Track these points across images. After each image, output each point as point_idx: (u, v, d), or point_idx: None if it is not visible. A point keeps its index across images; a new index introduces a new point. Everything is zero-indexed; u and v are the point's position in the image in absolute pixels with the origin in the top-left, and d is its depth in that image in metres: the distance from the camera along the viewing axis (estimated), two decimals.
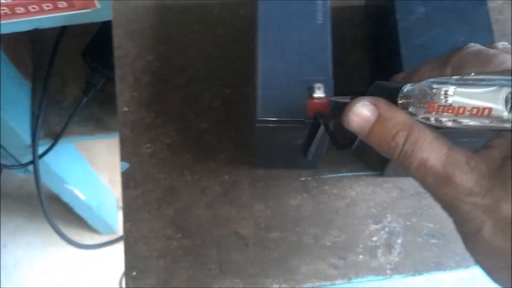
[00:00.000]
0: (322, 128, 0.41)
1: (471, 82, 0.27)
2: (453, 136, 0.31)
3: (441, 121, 0.28)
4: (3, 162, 1.03)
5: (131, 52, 0.58)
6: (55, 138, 1.02)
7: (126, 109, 0.56)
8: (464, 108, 0.27)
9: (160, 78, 0.57)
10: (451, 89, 0.27)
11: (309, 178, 0.54)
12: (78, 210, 1.40)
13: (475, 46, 0.32)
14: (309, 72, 0.44)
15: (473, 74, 0.28)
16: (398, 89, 0.31)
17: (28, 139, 1.00)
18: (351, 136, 0.36)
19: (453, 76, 0.28)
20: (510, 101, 0.25)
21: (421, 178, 0.30)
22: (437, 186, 0.29)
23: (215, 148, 0.55)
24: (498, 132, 0.30)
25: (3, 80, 0.90)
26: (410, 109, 0.30)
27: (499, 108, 0.25)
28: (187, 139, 0.55)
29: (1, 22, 0.66)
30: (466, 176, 0.28)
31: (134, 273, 0.51)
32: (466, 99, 0.27)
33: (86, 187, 1.31)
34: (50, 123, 1.03)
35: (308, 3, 0.46)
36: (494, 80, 0.26)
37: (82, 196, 1.32)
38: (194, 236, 0.52)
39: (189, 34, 0.58)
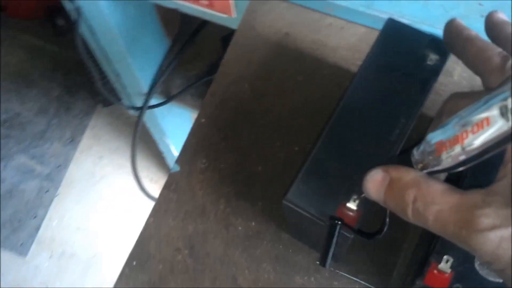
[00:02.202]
0: (338, 232, 0.42)
1: (462, 111, 0.29)
2: None
3: (454, 157, 0.29)
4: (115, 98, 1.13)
5: (232, 74, 0.61)
6: (168, 97, 1.09)
7: (203, 120, 0.59)
8: (466, 131, 0.28)
9: (244, 109, 0.59)
10: (447, 125, 0.30)
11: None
12: (168, 162, 1.49)
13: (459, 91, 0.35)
14: (358, 177, 0.44)
15: (466, 107, 0.29)
16: (410, 156, 0.33)
17: (145, 88, 1.07)
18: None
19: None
20: (503, 108, 0.26)
21: (441, 230, 0.30)
22: (460, 233, 0.29)
23: (258, 194, 0.56)
24: (504, 161, 0.30)
25: (146, 31, 0.98)
26: (428, 166, 0.32)
27: (496, 116, 0.26)
28: (239, 174, 0.57)
29: None
30: (485, 213, 0.28)
31: (134, 263, 0.55)
32: (464, 123, 0.28)
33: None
34: (170, 84, 1.10)
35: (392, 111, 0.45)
36: (483, 100, 0.27)
37: (175, 153, 1.41)
38: (198, 260, 0.55)
39: (290, 81, 0.60)
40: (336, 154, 0.44)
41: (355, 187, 0.43)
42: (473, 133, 0.28)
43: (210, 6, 0.68)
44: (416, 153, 0.34)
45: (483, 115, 0.27)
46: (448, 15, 0.57)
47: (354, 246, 0.53)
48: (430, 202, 0.30)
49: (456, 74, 0.58)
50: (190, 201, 0.57)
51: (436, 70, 0.46)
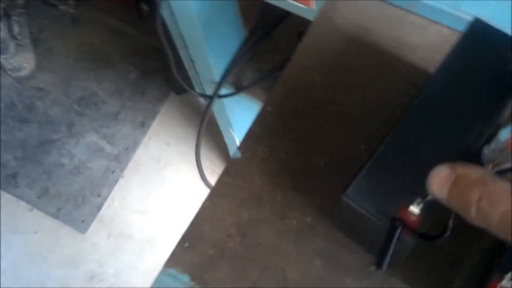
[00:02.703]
0: (398, 235, 0.40)
1: None
2: None
3: None
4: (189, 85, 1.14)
5: (305, 64, 0.59)
6: (238, 89, 1.09)
7: (269, 109, 0.58)
8: None
9: (312, 100, 0.58)
10: None
11: (379, 271, 0.51)
12: (232, 154, 1.49)
13: None
14: (424, 180, 0.41)
15: None
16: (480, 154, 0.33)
17: (217, 77, 1.08)
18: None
19: None
20: None
21: (505, 231, 0.29)
22: None
23: (317, 189, 0.55)
24: None
25: (224, 19, 0.98)
26: (500, 164, 0.31)
27: None
28: (300, 165, 0.56)
29: None
30: None
31: (186, 244, 0.55)
32: None
33: None
34: (242, 75, 1.10)
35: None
36: None
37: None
38: (249, 248, 0.54)
39: (364, 77, 0.58)
40: (403, 154, 0.42)
41: (420, 190, 0.40)
42: None
43: None
44: (487, 151, 0.32)
45: None
46: None
47: (413, 254, 0.50)
48: (496, 202, 0.29)
49: None
50: (247, 188, 0.56)
51: None
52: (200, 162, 1.22)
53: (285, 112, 0.58)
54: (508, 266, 0.40)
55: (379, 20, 0.59)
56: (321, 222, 0.54)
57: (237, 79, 1.11)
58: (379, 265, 0.42)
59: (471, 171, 0.31)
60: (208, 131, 1.71)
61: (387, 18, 0.59)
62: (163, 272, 0.55)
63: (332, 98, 0.57)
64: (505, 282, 0.40)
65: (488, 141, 0.32)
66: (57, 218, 1.79)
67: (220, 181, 0.56)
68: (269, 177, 0.56)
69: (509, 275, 0.40)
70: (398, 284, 0.51)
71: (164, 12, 0.92)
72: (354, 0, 0.60)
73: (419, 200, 0.40)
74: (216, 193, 0.56)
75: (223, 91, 1.11)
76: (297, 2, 0.68)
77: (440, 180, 0.32)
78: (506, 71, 0.43)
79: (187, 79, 1.20)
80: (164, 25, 0.97)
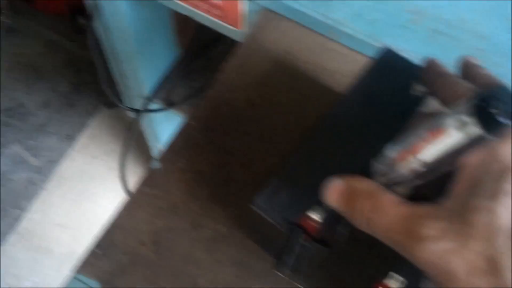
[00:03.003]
0: (297, 239, 0.42)
1: (419, 127, 0.30)
2: None
3: (411, 168, 0.31)
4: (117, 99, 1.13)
5: (229, 82, 0.61)
6: (168, 105, 1.10)
7: (192, 123, 0.60)
8: (421, 144, 0.30)
9: (235, 116, 0.59)
10: (405, 137, 0.31)
11: (284, 276, 0.53)
12: None
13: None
14: None
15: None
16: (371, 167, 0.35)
17: (146, 92, 1.08)
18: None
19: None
20: (458, 120, 0.27)
21: (389, 239, 0.31)
22: (404, 242, 0.30)
23: (232, 200, 0.56)
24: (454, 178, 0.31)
25: (158, 35, 0.99)
26: (387, 177, 0.33)
27: (448, 126, 0.28)
28: (217, 178, 0.57)
29: None
30: (429, 226, 0.29)
31: (98, 251, 0.55)
32: (419, 135, 0.30)
33: None
34: (173, 92, 1.11)
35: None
36: (441, 113, 0.29)
37: None
38: (161, 256, 0.54)
39: (284, 97, 0.60)
40: (309, 167, 0.45)
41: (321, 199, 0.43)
42: (428, 144, 0.29)
43: (222, 17, 0.69)
44: (376, 164, 0.35)
45: (438, 128, 0.29)
46: (447, 55, 0.58)
47: (320, 264, 0.52)
48: (382, 212, 0.31)
49: None
50: (164, 198, 0.57)
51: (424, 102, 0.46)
52: (125, 177, 1.21)
53: (207, 127, 0.60)
54: (396, 270, 0.43)
55: (303, 46, 0.63)
56: (234, 231, 0.55)
57: (167, 95, 1.12)
58: (277, 267, 0.44)
59: (361, 184, 0.34)
60: (137, 146, 1.70)
61: (310, 44, 0.63)
62: (74, 278, 0.54)
63: (253, 115, 0.60)
64: (390, 281, 0.42)
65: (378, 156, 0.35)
66: None
67: (138, 191, 0.57)
68: (186, 188, 0.57)
69: (395, 276, 0.43)
70: None
71: (98, 26, 0.93)
72: (280, 25, 0.63)
73: (319, 208, 0.42)
74: (132, 202, 0.57)
75: (152, 106, 1.12)
76: (228, 24, 0.70)
77: (334, 192, 0.35)
78: (409, 96, 0.47)
79: (117, 93, 1.19)
80: (97, 38, 0.97)
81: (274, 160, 0.57)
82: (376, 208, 0.32)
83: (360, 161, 0.44)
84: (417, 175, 0.31)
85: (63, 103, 1.87)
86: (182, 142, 0.59)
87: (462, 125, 0.27)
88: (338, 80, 0.60)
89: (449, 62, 0.41)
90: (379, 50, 0.49)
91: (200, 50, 1.10)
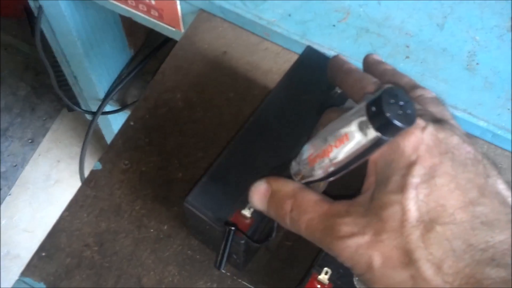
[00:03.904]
0: (232, 236, 0.44)
1: (329, 126, 0.32)
2: None
3: (324, 168, 0.32)
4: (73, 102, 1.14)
5: (167, 82, 0.63)
6: (122, 106, 1.10)
7: (132, 123, 0.61)
8: (331, 146, 0.31)
9: (174, 117, 0.61)
10: (317, 139, 0.33)
11: (228, 274, 0.55)
12: None
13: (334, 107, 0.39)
14: None
15: (333, 121, 0.32)
16: (289, 167, 0.37)
17: (101, 94, 1.09)
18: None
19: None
20: (360, 124, 0.29)
21: (310, 236, 0.33)
22: (325, 239, 0.32)
23: (174, 200, 0.58)
24: (366, 175, 0.33)
25: (107, 38, 1.00)
26: (305, 177, 0.34)
27: (354, 131, 0.29)
28: (159, 178, 0.59)
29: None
30: (345, 222, 0.30)
31: (43, 254, 0.56)
32: (329, 138, 0.31)
33: None
34: (127, 93, 1.12)
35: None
36: (345, 116, 0.31)
37: None
38: (105, 257, 0.56)
39: (222, 97, 0.62)
40: (239, 163, 0.47)
41: None
42: (337, 147, 0.31)
43: (160, 18, 0.71)
44: (293, 164, 0.36)
45: (344, 130, 0.30)
46: (376, 53, 0.61)
47: (260, 259, 0.55)
48: (303, 211, 0.33)
49: None
50: (107, 199, 0.58)
51: (344, 98, 0.49)
52: (84, 176, 1.22)
53: (147, 126, 0.61)
54: (325, 262, 0.46)
55: (237, 45, 0.64)
56: (177, 231, 0.57)
57: (122, 97, 1.13)
58: (217, 265, 0.46)
59: (283, 185, 0.35)
60: (98, 147, 1.70)
61: (244, 43, 0.65)
62: (19, 281, 0.56)
63: (191, 115, 0.61)
64: (322, 276, 0.45)
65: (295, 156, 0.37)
66: None
67: (79, 192, 0.58)
68: (128, 189, 0.59)
69: (325, 269, 0.45)
70: (244, 286, 0.55)
71: (44, 28, 0.93)
72: (215, 26, 0.65)
73: (250, 205, 0.44)
74: (75, 203, 0.58)
75: (107, 108, 1.13)
76: (166, 24, 0.71)
77: (259, 195, 0.37)
78: (331, 94, 0.49)
79: (74, 96, 1.20)
80: (45, 41, 0.97)
81: (211, 158, 0.59)
82: (298, 208, 0.33)
83: (284, 158, 0.46)
84: (330, 173, 0.33)
85: (23, 107, 1.85)
86: (123, 142, 0.60)
87: (363, 128, 0.29)
88: (272, 79, 0.62)
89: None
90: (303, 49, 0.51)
91: (152, 51, 1.11)
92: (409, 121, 0.27)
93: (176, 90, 0.63)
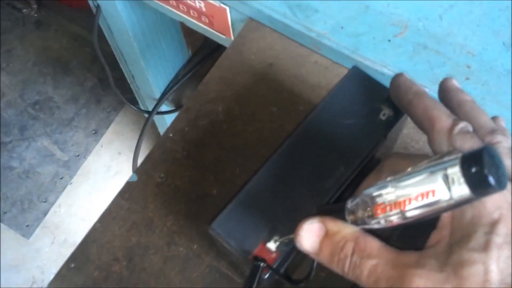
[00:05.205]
0: (260, 273, 0.41)
1: (406, 176, 0.29)
2: None
3: (391, 220, 0.29)
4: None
5: (210, 94, 0.60)
6: (178, 106, 1.10)
7: (170, 135, 0.59)
8: (410, 199, 0.28)
9: (214, 129, 0.59)
10: (390, 187, 0.29)
11: None
12: None
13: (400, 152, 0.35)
14: (285, 218, 0.43)
15: (409, 169, 0.29)
16: (343, 207, 0.33)
17: (157, 94, 1.09)
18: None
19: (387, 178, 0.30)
20: (448, 179, 0.27)
21: (373, 284, 0.30)
22: None
23: (207, 217, 0.55)
24: (438, 227, 0.31)
25: (165, 38, 0.99)
26: (359, 221, 0.31)
27: (441, 187, 0.27)
28: (193, 193, 0.57)
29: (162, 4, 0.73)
30: (418, 273, 0.28)
31: (72, 265, 0.55)
32: (407, 190, 0.28)
33: None
34: (183, 93, 1.11)
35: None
36: (428, 167, 0.28)
37: None
38: (133, 273, 0.54)
39: (265, 111, 0.59)
40: (270, 190, 0.44)
41: (279, 227, 0.42)
42: (417, 201, 0.28)
43: (211, 24, 0.68)
44: (350, 205, 0.33)
45: (429, 185, 0.28)
46: (433, 72, 0.56)
47: None
48: (366, 256, 0.31)
49: None
50: (139, 212, 0.57)
51: (388, 126, 0.44)
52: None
53: (186, 139, 0.59)
54: None
55: (285, 57, 0.61)
56: (207, 251, 0.55)
57: (177, 97, 1.12)
58: None
59: (343, 227, 0.32)
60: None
61: (292, 55, 0.61)
62: None
63: (232, 128, 0.59)
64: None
65: (353, 194, 0.34)
66: (1, 221, 1.77)
67: (113, 203, 0.57)
68: (162, 203, 0.57)
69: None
70: None
71: (102, 26, 0.93)
72: (264, 36, 0.62)
73: (276, 237, 0.41)
74: (108, 215, 0.57)
75: (163, 108, 1.12)
76: (217, 32, 0.69)
77: (311, 234, 0.33)
78: (377, 120, 0.45)
79: (132, 94, 1.21)
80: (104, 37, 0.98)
81: (248, 176, 0.56)
82: (361, 252, 0.31)
83: (322, 189, 0.43)
84: (392, 225, 0.30)
85: (89, 98, 1.90)
86: (160, 155, 0.59)
87: (451, 182, 0.27)
88: (320, 94, 0.59)
89: (435, 80, 0.39)
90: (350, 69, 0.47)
91: (210, 52, 1.09)
92: (502, 184, 0.26)
93: (218, 102, 0.60)
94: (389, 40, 0.58)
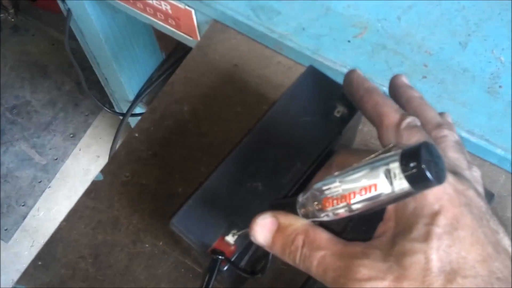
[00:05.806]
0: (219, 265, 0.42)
1: (351, 170, 0.30)
2: None
3: (338, 213, 0.31)
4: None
5: (176, 94, 0.62)
6: None
7: (136, 135, 0.60)
8: (354, 192, 0.29)
9: (180, 129, 0.60)
10: (337, 181, 0.30)
11: None
12: None
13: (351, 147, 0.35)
14: (243, 213, 0.44)
15: (355, 164, 0.30)
16: (295, 202, 0.34)
17: (131, 96, 1.09)
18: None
19: (335, 173, 0.31)
20: (389, 174, 0.28)
21: (322, 274, 0.31)
22: (338, 280, 0.30)
23: (171, 214, 0.56)
24: (384, 219, 0.32)
25: (137, 41, 1.00)
26: (310, 215, 0.33)
27: (382, 181, 0.28)
28: (159, 192, 0.58)
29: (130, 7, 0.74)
30: (363, 264, 0.30)
31: (39, 263, 0.56)
32: (352, 184, 0.30)
33: None
34: (157, 95, 1.11)
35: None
36: (371, 162, 0.29)
37: None
38: (100, 270, 0.55)
39: (230, 111, 0.60)
40: (228, 186, 0.45)
41: (238, 221, 0.43)
42: (360, 195, 0.29)
43: (178, 27, 0.69)
44: (301, 199, 0.34)
45: (372, 179, 0.29)
46: (391, 71, 0.57)
47: (248, 283, 0.53)
48: (316, 248, 0.32)
49: None
50: (105, 211, 0.57)
51: (342, 122, 0.46)
52: None
53: (151, 139, 0.60)
54: None
55: (249, 58, 0.62)
56: (172, 247, 0.56)
57: (151, 99, 1.13)
58: None
59: (294, 220, 0.34)
60: None
61: (256, 56, 0.62)
62: None
63: (197, 128, 0.60)
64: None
65: (304, 189, 0.35)
66: None
67: (79, 202, 0.58)
68: (127, 202, 0.58)
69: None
70: None
71: (74, 29, 0.94)
72: (228, 38, 0.63)
73: (234, 231, 0.42)
74: (74, 214, 0.58)
75: (137, 110, 1.13)
76: (184, 33, 0.70)
77: (263, 228, 0.35)
78: (331, 117, 0.46)
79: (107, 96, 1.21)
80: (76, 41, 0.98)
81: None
82: (310, 244, 0.32)
83: (279, 184, 0.44)
84: (340, 218, 0.31)
85: (67, 102, 1.90)
86: (126, 154, 0.60)
87: (392, 177, 0.28)
88: None
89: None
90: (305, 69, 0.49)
91: (183, 54, 1.10)
92: (441, 178, 0.27)
93: (184, 102, 0.61)
94: (349, 41, 0.59)
